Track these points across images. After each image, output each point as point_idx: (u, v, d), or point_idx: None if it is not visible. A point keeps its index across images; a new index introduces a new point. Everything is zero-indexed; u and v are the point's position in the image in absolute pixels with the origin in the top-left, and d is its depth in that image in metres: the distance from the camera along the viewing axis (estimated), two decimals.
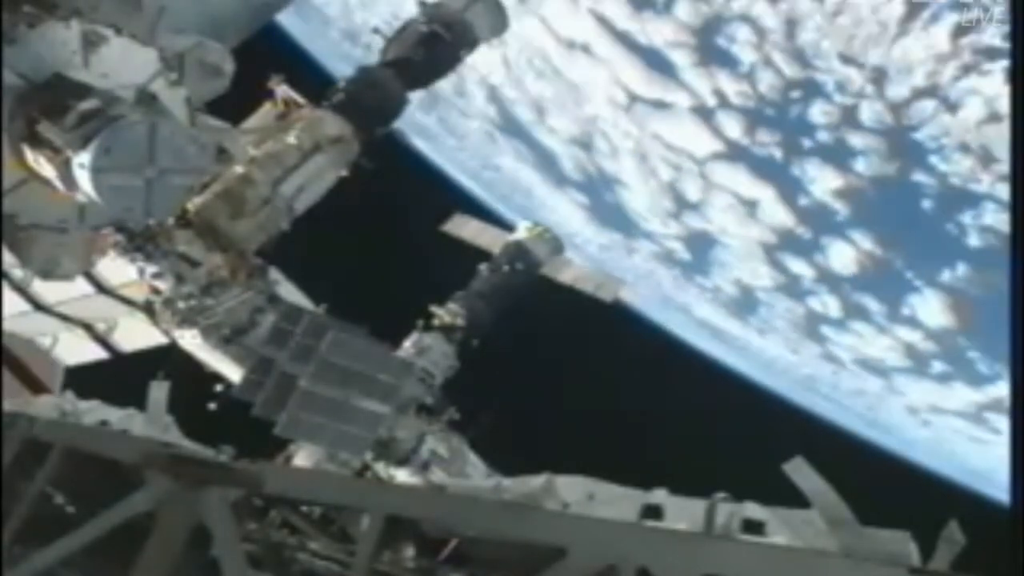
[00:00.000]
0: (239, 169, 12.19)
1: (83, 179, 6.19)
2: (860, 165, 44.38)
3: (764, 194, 47.53)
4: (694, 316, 55.77)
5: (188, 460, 5.13)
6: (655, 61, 48.46)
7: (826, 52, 44.52)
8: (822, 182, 45.60)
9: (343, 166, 13.29)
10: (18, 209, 7.02)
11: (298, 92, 13.46)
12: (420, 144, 49.72)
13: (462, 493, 7.45)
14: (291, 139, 12.73)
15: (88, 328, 12.72)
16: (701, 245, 52.37)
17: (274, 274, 12.71)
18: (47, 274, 7.88)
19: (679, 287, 55.41)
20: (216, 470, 4.96)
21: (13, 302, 11.28)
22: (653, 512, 5.43)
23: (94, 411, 8.89)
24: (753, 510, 5.19)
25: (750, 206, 49.03)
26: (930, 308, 41.32)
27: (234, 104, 9.74)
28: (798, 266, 47.44)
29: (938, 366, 42.82)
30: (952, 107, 40.98)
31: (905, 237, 41.37)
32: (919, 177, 41.73)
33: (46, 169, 6.60)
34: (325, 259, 22.07)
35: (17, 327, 12.27)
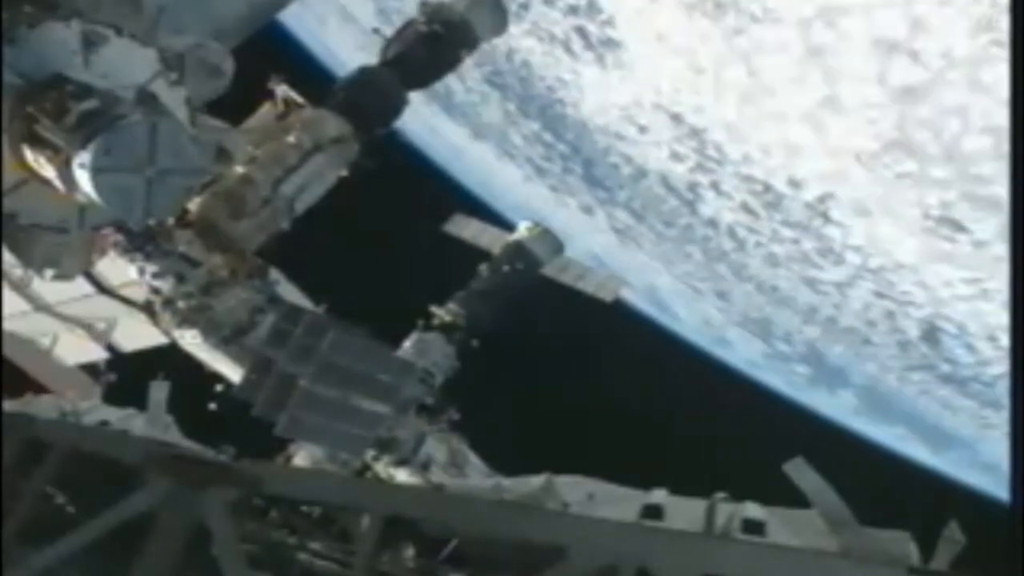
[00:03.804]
0: (239, 169, 12.17)
1: (83, 179, 6.19)
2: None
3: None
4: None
5: (188, 460, 5.14)
6: None
7: None
8: None
9: (343, 166, 13.27)
10: (18, 209, 7.02)
11: (298, 92, 13.44)
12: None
13: (462, 493, 7.46)
14: (291, 139, 12.71)
15: (88, 328, 12.73)
16: None
17: (274, 274, 12.68)
18: (47, 274, 7.90)
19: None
20: (216, 470, 4.97)
21: (13, 302, 11.29)
22: (653, 512, 5.42)
23: (94, 411, 8.91)
24: (753, 510, 5.19)
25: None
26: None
27: (234, 104, 9.75)
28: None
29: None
30: None
31: None
32: None
33: (46, 169, 6.60)
34: (325, 259, 22.06)
35: (17, 327, 12.28)
